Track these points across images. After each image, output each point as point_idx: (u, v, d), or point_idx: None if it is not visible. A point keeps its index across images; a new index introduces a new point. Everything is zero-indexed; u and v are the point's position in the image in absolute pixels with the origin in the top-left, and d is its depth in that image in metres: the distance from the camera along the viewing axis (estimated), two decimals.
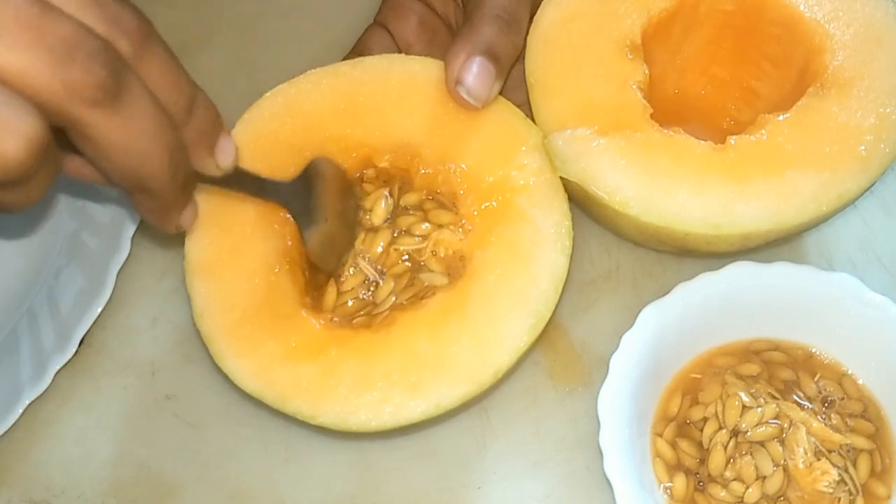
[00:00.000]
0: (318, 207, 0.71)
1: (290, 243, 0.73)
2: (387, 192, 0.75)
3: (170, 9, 0.95)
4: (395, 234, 0.75)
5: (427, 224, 0.74)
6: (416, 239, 0.74)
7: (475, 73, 0.70)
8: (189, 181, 0.61)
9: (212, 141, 0.61)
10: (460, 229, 0.73)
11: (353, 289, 0.74)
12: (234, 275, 0.71)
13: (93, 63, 0.50)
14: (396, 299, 0.73)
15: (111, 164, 0.54)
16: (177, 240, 0.82)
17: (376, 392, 0.67)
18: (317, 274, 0.74)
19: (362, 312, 0.73)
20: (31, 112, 0.49)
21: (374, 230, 0.75)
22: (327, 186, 0.72)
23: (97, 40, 0.50)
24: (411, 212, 0.75)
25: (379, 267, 0.74)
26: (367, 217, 0.75)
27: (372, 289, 0.74)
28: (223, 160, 0.62)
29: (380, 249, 0.74)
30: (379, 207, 0.75)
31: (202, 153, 0.61)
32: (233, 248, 0.71)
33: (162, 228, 0.65)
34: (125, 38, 0.53)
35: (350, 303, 0.74)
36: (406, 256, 0.74)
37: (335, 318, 0.72)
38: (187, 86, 0.58)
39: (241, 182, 0.68)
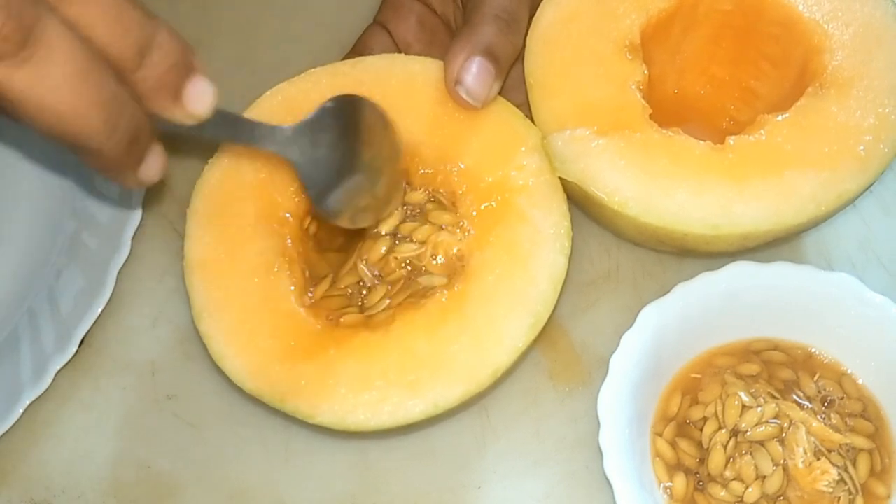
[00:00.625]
0: (344, 157, 0.66)
1: (289, 243, 0.73)
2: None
3: (171, 9, 0.94)
4: (397, 242, 0.75)
5: (427, 224, 0.74)
6: (415, 245, 0.74)
7: (474, 73, 0.70)
8: (140, 134, 0.53)
9: (177, 85, 0.53)
10: (458, 230, 0.73)
11: (345, 287, 0.74)
12: (233, 274, 0.71)
13: None
14: (391, 302, 0.73)
15: (30, 121, 0.48)
16: (177, 240, 0.82)
17: (375, 391, 0.67)
18: (325, 251, 0.74)
19: (347, 309, 0.73)
20: None
21: (375, 237, 0.75)
22: (359, 134, 0.67)
23: None
24: (412, 216, 0.75)
25: (376, 272, 0.74)
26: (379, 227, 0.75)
27: (365, 292, 0.74)
28: (194, 106, 0.54)
29: (383, 250, 0.74)
30: (392, 216, 0.75)
31: (164, 100, 0.53)
32: (232, 248, 0.72)
33: (120, 184, 0.58)
34: None
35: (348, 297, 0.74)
36: (407, 262, 0.74)
37: (314, 305, 0.72)
38: (137, 24, 0.50)
39: (227, 128, 0.60)
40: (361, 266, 0.74)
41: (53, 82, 0.47)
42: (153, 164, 0.55)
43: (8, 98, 0.47)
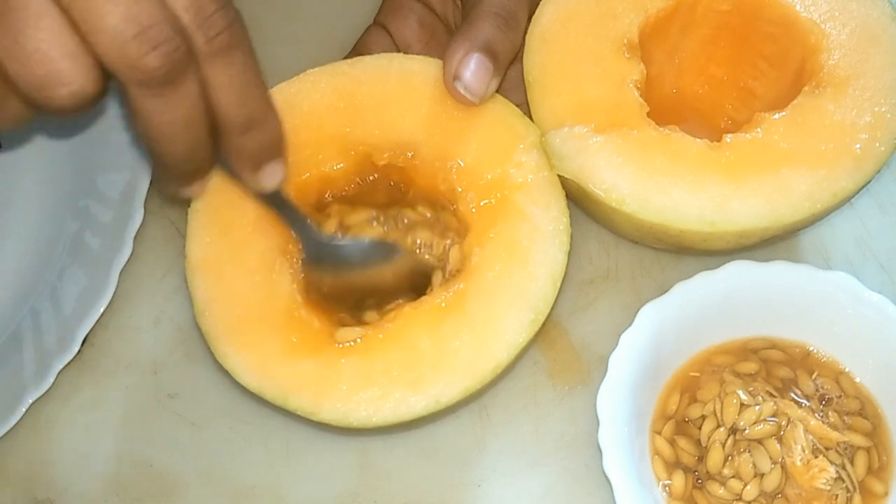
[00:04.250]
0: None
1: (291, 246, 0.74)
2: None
3: None
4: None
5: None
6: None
7: (472, 69, 0.71)
8: (202, 172, 0.66)
9: (259, 162, 0.65)
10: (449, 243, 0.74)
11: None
12: (234, 273, 0.71)
13: (152, 51, 0.54)
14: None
15: (138, 127, 0.59)
16: (179, 239, 0.82)
17: (377, 388, 0.67)
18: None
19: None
20: (89, 72, 0.54)
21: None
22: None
23: (168, 31, 0.54)
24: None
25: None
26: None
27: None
28: (262, 182, 0.66)
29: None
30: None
31: (246, 169, 0.65)
32: (233, 247, 0.72)
33: (163, 190, 0.73)
34: (204, 36, 0.57)
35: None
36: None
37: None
38: (253, 104, 0.61)
39: (278, 207, 0.70)
40: None
41: (170, 117, 0.58)
42: (199, 188, 0.68)
43: (135, 109, 0.57)
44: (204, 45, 0.56)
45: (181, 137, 0.59)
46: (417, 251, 0.75)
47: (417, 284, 0.74)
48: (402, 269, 0.74)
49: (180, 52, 0.55)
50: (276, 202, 0.70)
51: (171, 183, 0.67)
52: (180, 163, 0.62)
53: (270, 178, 0.66)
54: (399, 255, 0.74)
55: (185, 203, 0.74)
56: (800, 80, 0.74)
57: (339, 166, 0.75)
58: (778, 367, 0.74)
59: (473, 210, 0.72)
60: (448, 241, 0.74)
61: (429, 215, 0.75)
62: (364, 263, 0.74)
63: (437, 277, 0.74)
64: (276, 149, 0.65)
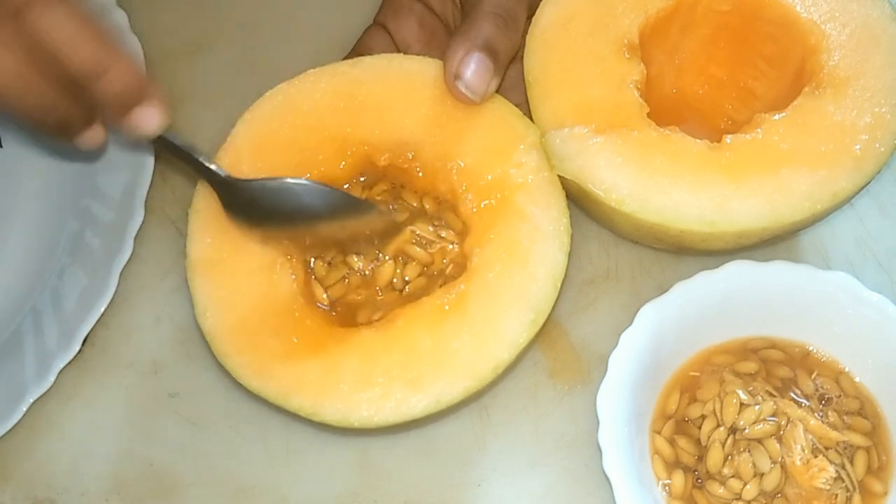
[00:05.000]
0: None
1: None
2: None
3: (172, 10, 0.95)
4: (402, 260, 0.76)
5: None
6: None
7: (473, 68, 0.71)
8: (71, 122, 0.65)
9: (124, 108, 0.65)
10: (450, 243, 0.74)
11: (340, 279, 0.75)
12: (235, 273, 0.71)
13: None
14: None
15: None
16: (179, 239, 0.82)
17: (377, 388, 0.67)
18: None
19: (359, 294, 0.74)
20: None
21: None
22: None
23: None
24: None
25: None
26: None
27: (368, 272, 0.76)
28: (137, 128, 0.66)
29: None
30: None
31: (116, 115, 0.65)
32: (234, 247, 0.72)
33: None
34: None
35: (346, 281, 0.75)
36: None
37: (330, 307, 0.73)
38: (90, 49, 0.61)
39: (175, 154, 0.70)
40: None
41: None
42: (86, 140, 0.68)
43: None
44: None
45: (18, 88, 0.60)
46: (412, 242, 0.75)
47: (377, 233, 0.74)
48: (352, 215, 0.72)
49: None
50: (170, 150, 0.70)
51: (50, 136, 0.67)
52: (39, 115, 0.63)
53: (144, 122, 0.66)
54: (344, 200, 0.72)
55: (185, 203, 0.74)
56: (800, 80, 0.74)
57: (339, 166, 0.75)
58: (778, 367, 0.74)
59: (474, 210, 0.72)
60: (444, 234, 0.74)
61: (428, 206, 0.76)
62: (299, 207, 0.71)
63: (404, 235, 0.75)
64: (137, 92, 0.65)
